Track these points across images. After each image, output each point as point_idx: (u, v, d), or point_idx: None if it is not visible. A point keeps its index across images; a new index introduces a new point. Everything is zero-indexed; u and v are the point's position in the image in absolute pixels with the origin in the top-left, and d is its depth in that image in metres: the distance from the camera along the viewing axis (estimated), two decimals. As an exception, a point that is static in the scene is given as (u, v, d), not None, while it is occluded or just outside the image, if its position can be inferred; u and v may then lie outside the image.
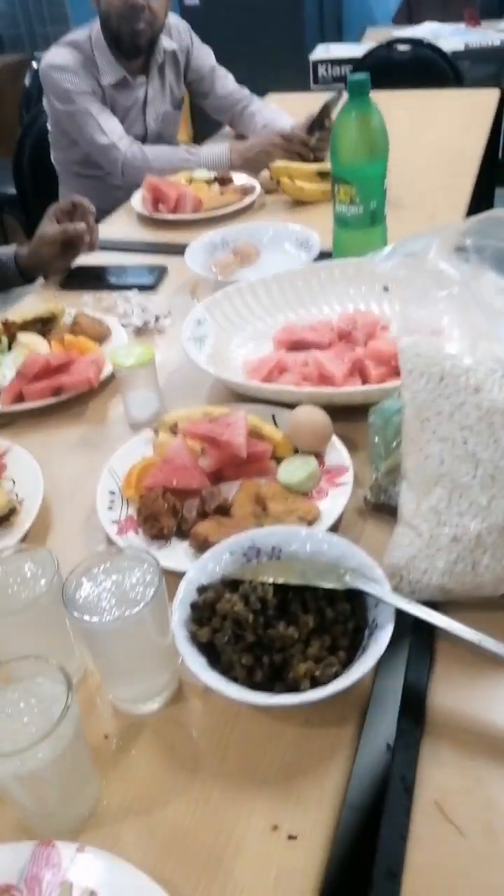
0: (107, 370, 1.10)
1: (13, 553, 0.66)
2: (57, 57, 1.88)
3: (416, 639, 0.70)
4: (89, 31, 1.90)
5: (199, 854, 0.57)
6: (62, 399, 1.06)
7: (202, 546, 0.78)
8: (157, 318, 1.25)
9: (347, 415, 0.93)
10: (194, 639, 0.66)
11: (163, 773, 0.62)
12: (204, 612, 0.68)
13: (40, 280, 1.45)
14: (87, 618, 0.58)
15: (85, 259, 1.44)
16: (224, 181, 1.73)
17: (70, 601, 0.59)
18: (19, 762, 0.51)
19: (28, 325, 1.17)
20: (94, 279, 1.42)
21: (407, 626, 0.69)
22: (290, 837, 0.57)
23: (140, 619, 0.59)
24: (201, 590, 0.69)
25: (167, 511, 0.82)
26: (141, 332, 1.24)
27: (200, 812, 0.59)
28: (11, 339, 1.16)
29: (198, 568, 0.72)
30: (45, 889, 0.53)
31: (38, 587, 0.62)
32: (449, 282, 0.69)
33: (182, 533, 0.82)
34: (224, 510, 0.84)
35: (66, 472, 0.96)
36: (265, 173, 1.73)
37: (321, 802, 0.59)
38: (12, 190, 2.65)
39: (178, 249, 1.45)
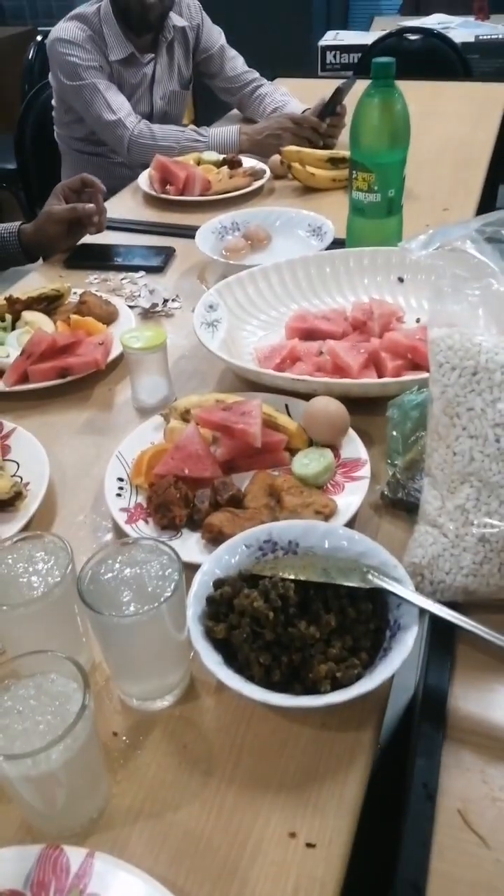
0: (114, 352, 1.06)
1: (23, 539, 0.63)
2: (64, 31, 1.82)
3: (436, 641, 0.68)
4: (98, 5, 1.84)
5: (214, 861, 0.54)
6: (68, 381, 1.02)
7: (216, 538, 0.75)
8: (165, 302, 1.22)
9: (363, 408, 0.90)
10: (210, 635, 0.63)
11: (174, 773, 0.60)
12: (221, 608, 0.65)
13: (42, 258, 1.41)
14: (104, 612, 0.55)
15: (90, 238, 1.40)
16: (233, 164, 1.69)
17: (86, 594, 0.56)
18: (31, 763, 0.48)
19: (33, 303, 1.13)
20: (100, 259, 1.38)
21: (424, 628, 0.67)
22: (309, 845, 0.55)
23: (159, 614, 0.56)
24: (218, 584, 0.67)
25: (179, 500, 0.79)
26: (149, 314, 1.20)
27: (214, 816, 0.57)
28: (15, 318, 1.12)
29: (213, 560, 0.69)
30: (52, 894, 0.50)
31: (51, 577, 0.59)
32: (486, 273, 0.67)
33: (193, 524, 0.80)
34: (237, 502, 0.81)
35: (72, 457, 0.92)
36: (275, 157, 1.70)
37: (340, 809, 0.57)
38: (10, 165, 2.59)
39: (186, 231, 1.42)
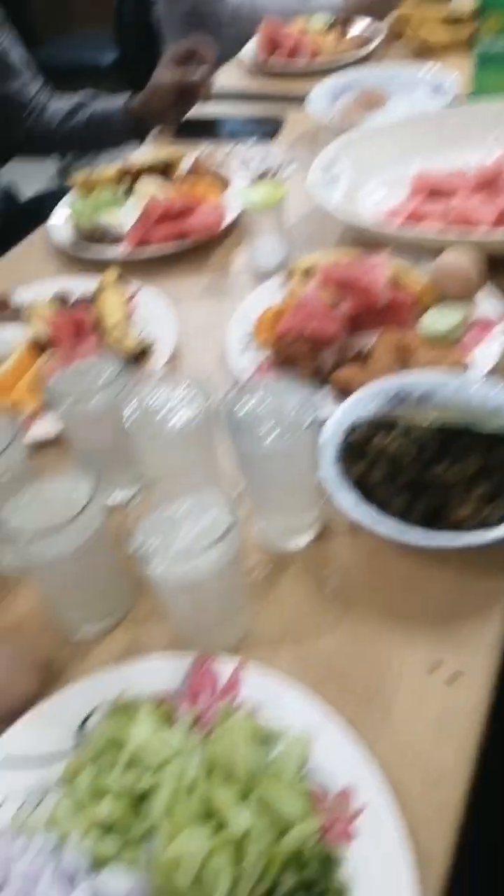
0: (229, 218, 1.04)
1: (162, 378, 0.63)
2: None
3: None
4: None
5: (357, 685, 0.55)
6: (185, 246, 1.01)
7: (343, 392, 0.73)
8: (277, 168, 1.17)
9: (495, 266, 0.85)
10: (345, 476, 0.63)
11: (312, 605, 0.61)
12: (356, 450, 0.64)
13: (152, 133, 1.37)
14: (245, 443, 0.55)
15: (197, 110, 1.35)
16: (343, 28, 1.58)
17: (230, 424, 0.56)
18: (186, 570, 0.49)
19: (147, 171, 1.11)
20: (209, 130, 1.33)
21: None
22: (452, 678, 0.55)
23: (299, 445, 0.56)
24: (352, 428, 0.66)
25: (304, 356, 0.78)
26: (261, 182, 1.16)
27: (353, 646, 0.58)
28: (131, 185, 1.11)
29: (346, 408, 0.68)
30: (206, 700, 0.53)
31: (192, 412, 0.59)
32: None
33: (319, 380, 0.78)
34: (362, 360, 0.78)
35: (193, 320, 0.92)
36: (388, 19, 1.57)
37: (482, 646, 0.57)
38: (111, 57, 2.51)
39: (295, 100, 1.34)
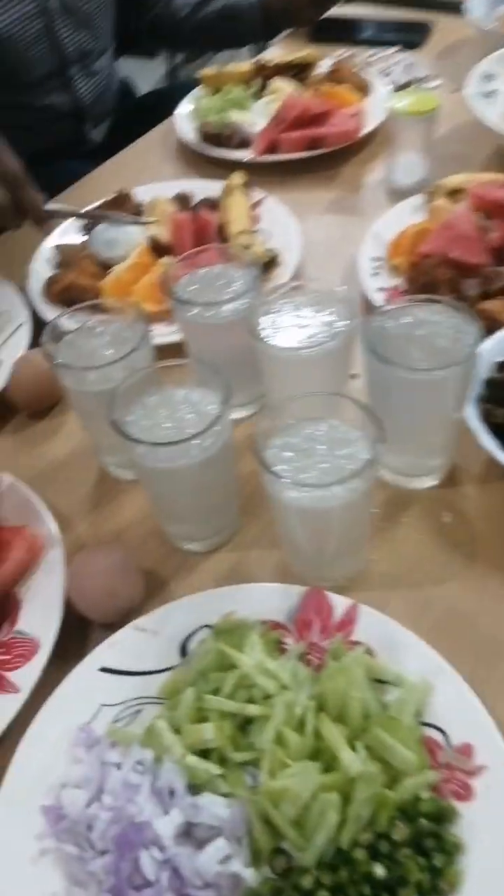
0: (369, 126, 0.95)
1: (296, 289, 0.58)
2: None
3: None
4: None
5: (477, 638, 0.51)
6: (318, 153, 0.94)
7: (489, 326, 0.67)
8: (421, 79, 1.07)
9: None
10: (488, 419, 0.57)
11: (434, 550, 0.57)
12: (502, 391, 0.58)
13: (284, 33, 1.27)
14: (389, 370, 0.50)
15: (336, 10, 1.24)
16: None
17: (372, 349, 0.51)
18: (320, 496, 0.46)
19: (282, 70, 1.03)
20: (347, 33, 1.23)
21: None
22: None
23: (447, 379, 0.50)
24: (500, 367, 0.60)
25: (446, 283, 0.71)
26: (404, 90, 1.07)
27: (479, 597, 0.54)
28: (264, 84, 1.03)
29: (494, 344, 0.62)
30: (315, 633, 0.50)
31: (331, 332, 0.55)
32: None
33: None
34: (509, 293, 0.71)
35: (319, 235, 0.86)
36: None
37: None
38: None
39: (447, 6, 1.22)
